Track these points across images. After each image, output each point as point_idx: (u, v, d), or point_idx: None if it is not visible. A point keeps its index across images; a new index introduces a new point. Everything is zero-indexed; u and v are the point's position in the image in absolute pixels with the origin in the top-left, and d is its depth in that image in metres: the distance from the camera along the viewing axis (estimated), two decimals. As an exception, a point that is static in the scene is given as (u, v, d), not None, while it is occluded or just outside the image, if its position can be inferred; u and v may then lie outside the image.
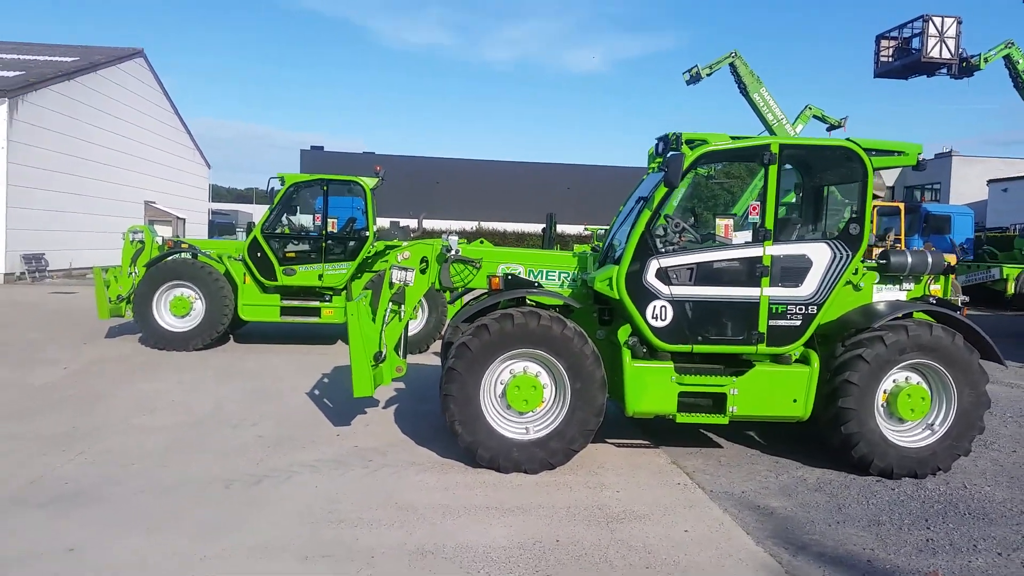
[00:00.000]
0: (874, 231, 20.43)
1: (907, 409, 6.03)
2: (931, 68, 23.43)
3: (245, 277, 11.55)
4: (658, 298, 5.98)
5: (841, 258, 6.02)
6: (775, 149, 6.02)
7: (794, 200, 7.17)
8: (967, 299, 8.07)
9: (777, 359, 6.19)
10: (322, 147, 56.03)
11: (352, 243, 11.89)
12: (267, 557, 4.35)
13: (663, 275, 5.98)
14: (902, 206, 22.26)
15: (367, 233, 11.88)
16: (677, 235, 6.25)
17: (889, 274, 6.45)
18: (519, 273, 6.67)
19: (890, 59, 24.60)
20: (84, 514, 4.86)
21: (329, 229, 11.96)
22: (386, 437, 6.84)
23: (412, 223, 14.62)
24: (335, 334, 12.77)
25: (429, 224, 24.62)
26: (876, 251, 7.03)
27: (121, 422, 7.08)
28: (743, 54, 24.54)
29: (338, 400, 8.12)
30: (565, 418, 5.92)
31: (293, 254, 11.71)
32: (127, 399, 8.01)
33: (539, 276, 6.73)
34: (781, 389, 6.13)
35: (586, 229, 31.45)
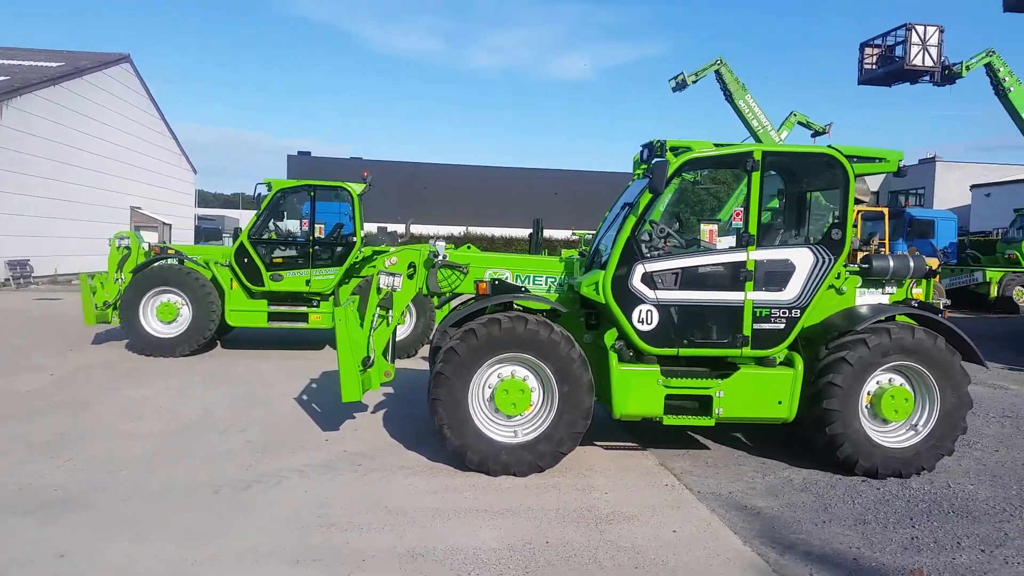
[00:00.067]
0: (858, 236, 20.64)
1: (891, 410, 6.11)
2: (914, 75, 23.68)
3: (232, 283, 11.52)
4: (644, 302, 6.04)
5: (824, 263, 6.10)
6: (758, 156, 6.09)
7: (778, 206, 7.25)
8: (949, 302, 8.18)
9: (762, 362, 6.26)
10: (309, 152, 55.92)
11: (339, 248, 11.89)
12: (257, 562, 4.36)
13: (649, 280, 6.03)
14: (886, 211, 22.51)
15: (354, 239, 11.88)
16: (662, 240, 6.32)
17: (871, 278, 6.54)
18: (506, 278, 6.71)
19: (874, 66, 24.85)
20: (73, 520, 4.86)
21: (316, 235, 11.95)
22: (375, 441, 6.86)
23: (400, 228, 14.65)
24: (323, 339, 12.75)
25: (417, 229, 24.61)
26: (860, 255, 7.12)
27: (108, 428, 7.06)
28: (728, 61, 24.75)
29: (326, 405, 8.12)
30: (553, 421, 5.96)
31: (280, 260, 11.70)
32: (114, 405, 7.98)
33: (526, 281, 6.78)
34: (766, 391, 6.20)
35: (574, 234, 31.53)
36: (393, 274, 6.48)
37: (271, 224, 12.10)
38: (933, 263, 6.85)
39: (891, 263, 6.48)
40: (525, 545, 4.68)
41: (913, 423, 6.23)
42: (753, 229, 6.05)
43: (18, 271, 22.57)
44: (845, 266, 6.44)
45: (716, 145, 6.31)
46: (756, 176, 6.08)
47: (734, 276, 6.06)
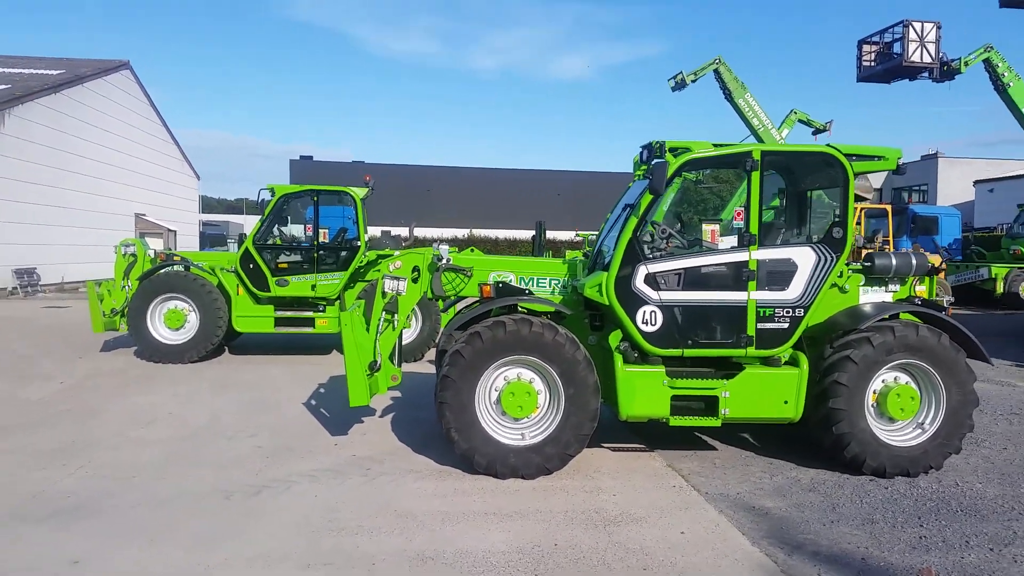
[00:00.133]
0: (862, 233, 20.63)
1: (897, 409, 6.12)
2: (913, 72, 23.66)
3: (238, 288, 11.58)
4: (647, 303, 6.06)
5: (826, 261, 6.11)
6: (757, 156, 6.11)
7: (779, 205, 7.27)
8: (953, 299, 8.20)
9: (767, 362, 6.27)
10: (311, 157, 56.03)
11: (344, 253, 11.93)
12: (268, 567, 4.39)
13: (652, 280, 6.05)
14: (889, 208, 22.48)
15: (359, 243, 11.92)
16: (664, 241, 6.34)
17: (874, 276, 6.55)
18: (510, 281, 6.74)
19: (872, 63, 24.84)
20: (85, 527, 4.89)
21: (320, 239, 12.01)
22: (383, 445, 6.89)
23: (403, 232, 14.68)
24: (329, 344, 12.80)
25: (420, 232, 24.66)
26: (864, 253, 7.12)
27: (118, 435, 7.10)
28: (728, 60, 24.78)
29: (334, 410, 8.16)
30: (560, 423, 5.98)
31: (285, 265, 11.74)
32: (123, 412, 8.02)
33: (530, 283, 6.80)
34: (772, 391, 6.21)
35: (578, 235, 31.55)
36: (397, 278, 6.51)
37: (275, 229, 12.15)
38: (936, 260, 6.86)
39: (893, 261, 6.48)
40: (534, 547, 4.71)
41: (920, 421, 6.24)
42: (754, 229, 6.07)
43: (25, 279, 22.66)
44: (848, 264, 6.45)
45: (715, 145, 6.33)
46: (756, 176, 6.09)
47: (737, 276, 6.08)
